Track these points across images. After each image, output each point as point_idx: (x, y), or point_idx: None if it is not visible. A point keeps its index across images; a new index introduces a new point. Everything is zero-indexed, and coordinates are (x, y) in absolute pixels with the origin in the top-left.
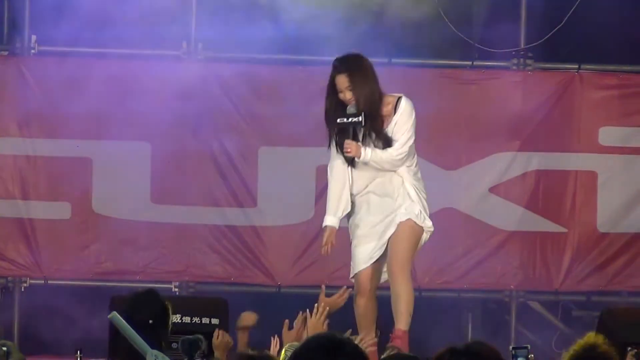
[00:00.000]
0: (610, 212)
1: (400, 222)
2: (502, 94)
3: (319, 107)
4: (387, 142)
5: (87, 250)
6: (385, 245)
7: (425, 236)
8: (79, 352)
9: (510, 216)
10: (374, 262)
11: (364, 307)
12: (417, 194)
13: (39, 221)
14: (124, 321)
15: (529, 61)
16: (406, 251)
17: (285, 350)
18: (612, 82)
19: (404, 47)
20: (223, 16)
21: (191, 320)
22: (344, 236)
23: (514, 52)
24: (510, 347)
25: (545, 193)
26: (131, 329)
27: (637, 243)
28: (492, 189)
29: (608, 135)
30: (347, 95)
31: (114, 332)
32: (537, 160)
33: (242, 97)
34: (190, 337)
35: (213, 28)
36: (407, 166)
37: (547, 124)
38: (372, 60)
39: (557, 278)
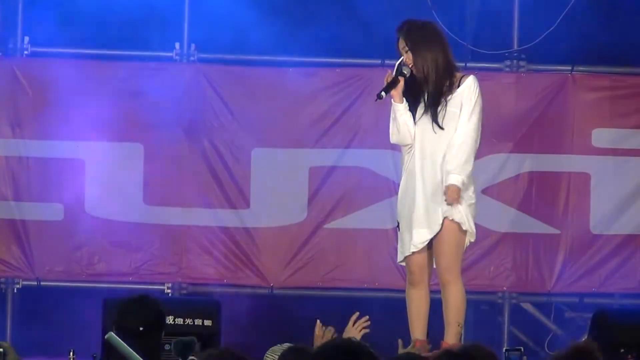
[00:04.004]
0: (603, 213)
1: (444, 223)
2: (495, 96)
3: (312, 109)
4: (441, 113)
5: (80, 252)
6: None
7: (467, 240)
8: (71, 352)
9: (503, 218)
10: (427, 250)
11: (415, 299)
12: (465, 199)
13: (31, 222)
14: (121, 340)
15: (522, 63)
16: (451, 254)
17: (267, 356)
18: (605, 83)
19: (397, 49)
20: (216, 17)
21: (184, 322)
22: (338, 237)
23: (507, 54)
24: (504, 349)
25: (538, 195)
26: (129, 348)
27: (630, 245)
28: (485, 191)
29: (601, 136)
30: (406, 58)
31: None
32: (530, 162)
33: (235, 98)
34: (184, 338)
35: (206, 29)
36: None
37: (540, 126)
38: (364, 61)
39: (550, 280)
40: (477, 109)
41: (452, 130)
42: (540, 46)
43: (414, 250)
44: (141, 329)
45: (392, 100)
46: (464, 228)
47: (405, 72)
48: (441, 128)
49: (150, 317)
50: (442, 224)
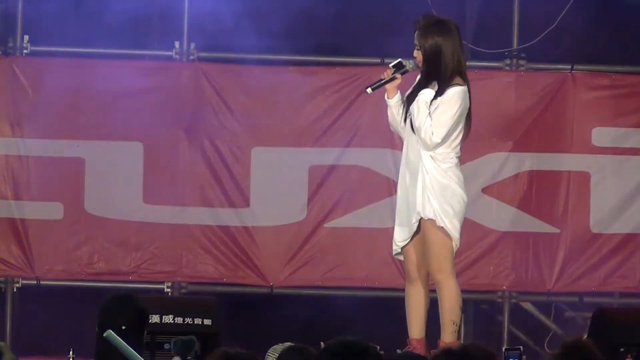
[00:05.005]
0: (603, 212)
1: (420, 222)
2: (494, 95)
3: (312, 107)
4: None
5: (80, 251)
6: (412, 235)
7: (451, 238)
8: (71, 352)
9: (503, 217)
10: (421, 248)
11: (412, 297)
12: (439, 196)
13: (31, 221)
14: (119, 338)
15: (521, 61)
16: (436, 254)
17: (268, 355)
18: (605, 82)
19: (397, 48)
20: (215, 16)
21: (183, 320)
22: (338, 236)
23: (507, 53)
24: (503, 349)
25: (538, 193)
26: (127, 346)
27: (629, 244)
28: (485, 190)
29: (601, 135)
30: (416, 54)
31: (101, 340)
32: (530, 161)
33: (235, 97)
34: (183, 337)
35: (206, 28)
36: (435, 160)
37: (540, 125)
38: (365, 60)
39: (550, 279)
40: (448, 110)
41: None
42: (540, 45)
43: (396, 249)
44: (123, 327)
45: (385, 95)
46: (438, 224)
47: (409, 68)
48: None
49: (133, 316)
50: (419, 224)
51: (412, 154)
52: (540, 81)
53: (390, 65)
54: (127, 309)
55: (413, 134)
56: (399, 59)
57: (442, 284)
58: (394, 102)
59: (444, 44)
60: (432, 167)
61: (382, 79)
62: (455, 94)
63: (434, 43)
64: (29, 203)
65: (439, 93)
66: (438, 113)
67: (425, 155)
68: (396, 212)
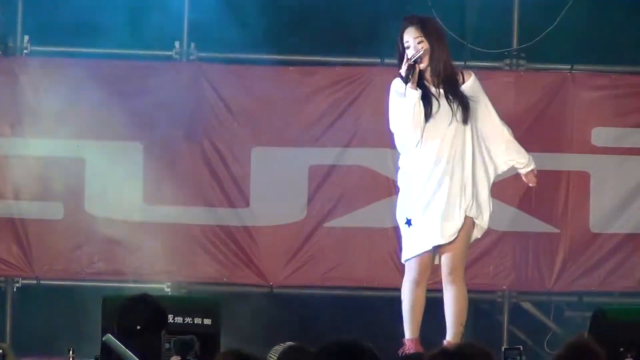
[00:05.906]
0: (602, 212)
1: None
2: (494, 95)
3: (312, 107)
4: (465, 107)
5: (79, 251)
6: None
7: (476, 233)
8: (71, 351)
9: (502, 216)
10: (432, 249)
11: (416, 298)
12: (486, 197)
13: (31, 221)
14: (118, 342)
15: (521, 61)
16: (459, 254)
17: (269, 356)
18: (605, 82)
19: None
20: (215, 16)
21: (183, 320)
22: (338, 236)
23: (506, 52)
24: (503, 348)
25: (538, 193)
26: (126, 349)
27: (629, 243)
28: None
29: (601, 135)
30: (419, 47)
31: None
32: None
33: (235, 97)
34: (183, 337)
35: (206, 28)
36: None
37: (540, 125)
38: (364, 60)
39: (550, 278)
40: (489, 101)
41: (466, 125)
42: (540, 45)
43: (444, 242)
44: (138, 327)
45: (408, 86)
46: (477, 222)
47: (418, 61)
48: (464, 122)
49: (148, 316)
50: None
51: (454, 148)
52: (540, 81)
53: (413, 59)
54: (141, 309)
55: (449, 127)
56: (420, 51)
57: (454, 284)
58: (419, 93)
59: (447, 45)
60: (480, 171)
61: (411, 70)
62: (477, 85)
63: (435, 27)
64: (28, 203)
65: (452, 81)
66: (494, 119)
67: (479, 156)
68: (433, 212)
